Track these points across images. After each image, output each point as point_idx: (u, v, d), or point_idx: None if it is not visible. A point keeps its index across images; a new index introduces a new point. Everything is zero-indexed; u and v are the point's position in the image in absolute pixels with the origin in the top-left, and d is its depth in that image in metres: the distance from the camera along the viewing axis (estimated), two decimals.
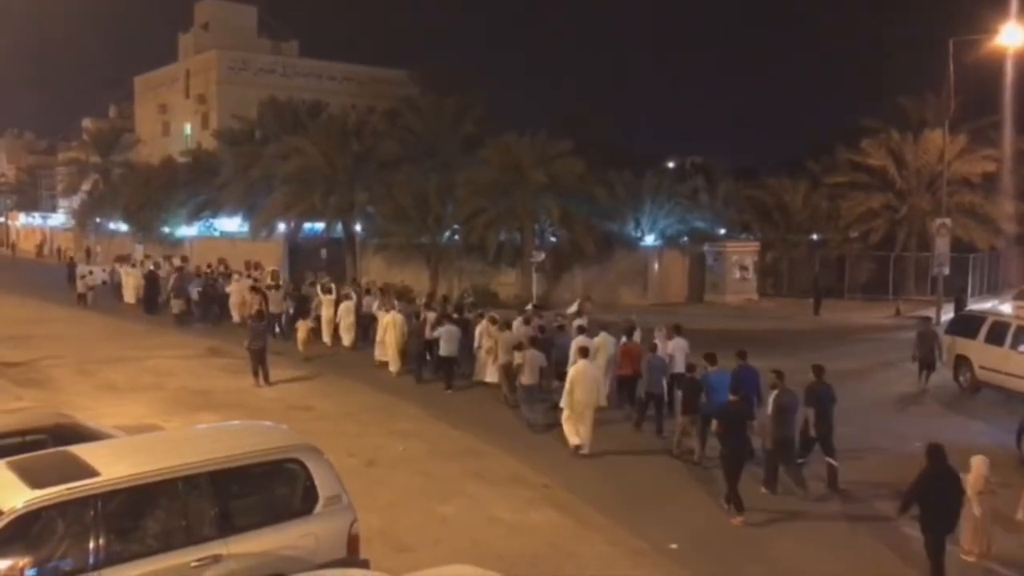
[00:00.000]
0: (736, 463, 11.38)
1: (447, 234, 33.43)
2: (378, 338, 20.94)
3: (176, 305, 27.31)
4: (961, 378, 18.63)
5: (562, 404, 14.08)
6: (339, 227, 36.75)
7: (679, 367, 15.17)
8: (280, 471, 7.72)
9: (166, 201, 44.19)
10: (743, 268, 35.08)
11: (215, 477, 7.15)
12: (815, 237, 36.77)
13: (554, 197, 30.94)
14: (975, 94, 31.79)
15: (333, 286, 24.97)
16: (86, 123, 68.55)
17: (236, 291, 26.90)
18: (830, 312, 31.20)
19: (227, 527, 7.09)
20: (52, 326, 26.18)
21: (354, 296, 23.71)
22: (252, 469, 7.53)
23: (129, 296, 32.35)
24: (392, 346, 20.10)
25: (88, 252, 52.29)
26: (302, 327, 22.26)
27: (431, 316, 19.75)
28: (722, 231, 36.42)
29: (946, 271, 29.44)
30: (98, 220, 53.65)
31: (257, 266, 30.89)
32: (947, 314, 25.93)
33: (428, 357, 19.46)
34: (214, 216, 43.33)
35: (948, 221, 29.46)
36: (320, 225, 37.16)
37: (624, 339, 16.49)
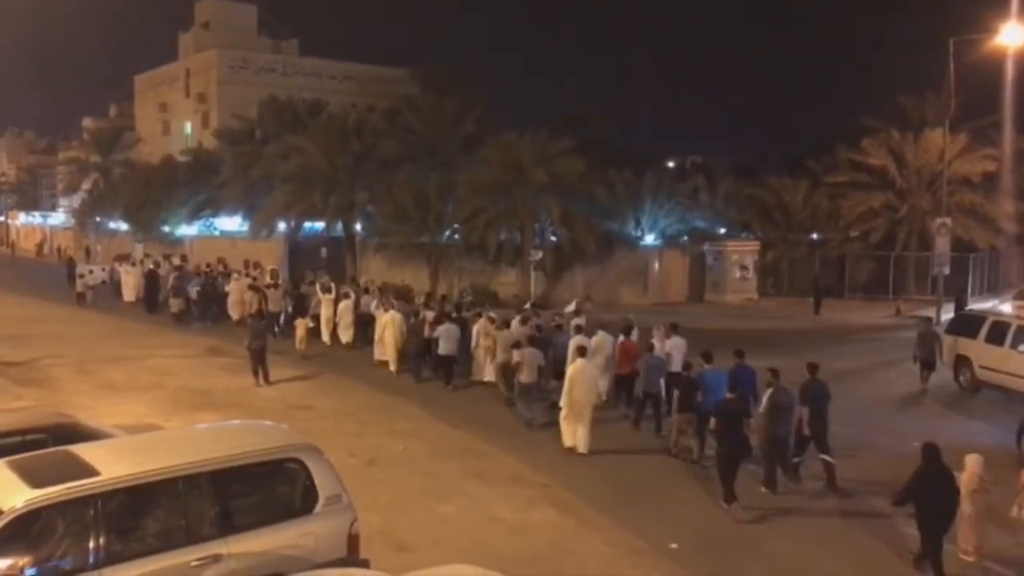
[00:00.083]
0: (732, 461, 11.43)
1: (447, 233, 33.43)
2: (376, 337, 20.98)
3: (175, 304, 27.30)
4: (961, 378, 18.64)
5: (561, 403, 14.11)
6: (339, 226, 36.73)
7: (676, 366, 15.19)
8: (280, 471, 7.73)
9: (166, 200, 44.18)
10: (743, 267, 35.08)
11: (215, 476, 7.15)
12: (815, 236, 36.78)
13: (554, 196, 30.94)
14: (975, 93, 31.85)
15: (332, 285, 24.99)
16: (86, 122, 68.60)
17: (235, 290, 26.93)
18: (830, 312, 31.20)
19: (227, 526, 7.09)
20: (52, 325, 26.18)
21: (352, 295, 23.73)
22: (252, 468, 7.53)
23: (129, 295, 32.36)
24: (391, 345, 20.14)
25: (88, 251, 52.32)
26: (300, 326, 22.30)
27: (429, 315, 19.79)
28: (722, 230, 36.43)
29: (946, 271, 29.45)
30: (98, 219, 53.65)
31: (256, 265, 30.89)
32: (947, 314, 25.93)
33: (427, 356, 19.47)
34: (214, 215, 43.32)
35: (948, 221, 29.46)
36: (320, 224, 37.14)
37: (622, 338, 16.52)
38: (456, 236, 33.24)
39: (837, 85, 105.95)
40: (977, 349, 18.11)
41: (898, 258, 35.59)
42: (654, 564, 9.76)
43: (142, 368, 19.90)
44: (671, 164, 44.27)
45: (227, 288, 27.48)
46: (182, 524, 6.99)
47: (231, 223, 42.43)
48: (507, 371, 16.85)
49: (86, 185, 57.22)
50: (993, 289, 35.69)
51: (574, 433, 13.85)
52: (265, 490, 7.72)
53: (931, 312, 27.03)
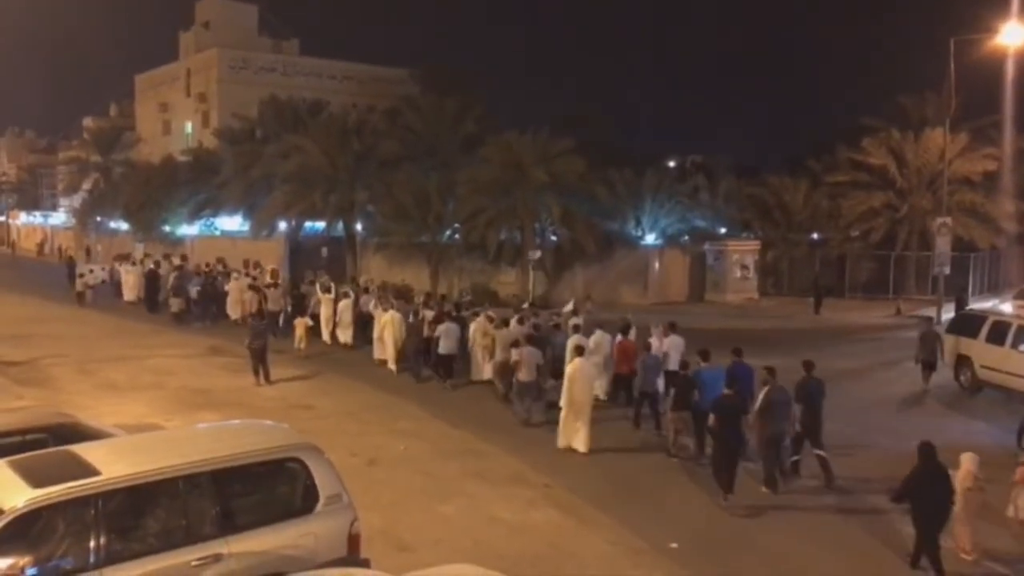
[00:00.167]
0: (728, 456, 11.48)
1: (447, 233, 33.42)
2: (376, 336, 21.01)
3: (175, 304, 27.31)
4: (962, 377, 18.64)
5: (561, 403, 14.14)
6: (340, 226, 36.74)
7: (674, 365, 15.26)
8: (281, 470, 7.73)
9: (167, 200, 44.13)
10: (744, 267, 35.09)
11: (216, 476, 7.16)
12: (816, 236, 36.79)
13: (555, 196, 30.93)
14: (975, 93, 31.91)
15: (332, 285, 25.03)
16: (87, 122, 68.54)
17: (234, 290, 26.95)
18: (830, 311, 31.21)
19: (227, 526, 7.09)
20: (53, 325, 26.18)
21: (352, 295, 23.76)
22: (253, 468, 7.53)
23: (129, 295, 32.35)
24: (391, 344, 20.16)
25: (88, 251, 52.31)
26: (299, 325, 22.34)
27: (429, 314, 19.82)
28: (723, 230, 36.41)
29: (947, 270, 29.45)
30: (99, 219, 53.61)
31: (256, 265, 30.89)
32: (948, 313, 25.92)
33: (426, 355, 19.49)
34: (215, 215, 43.28)
35: (949, 220, 29.46)
36: (321, 224, 37.13)
37: (620, 337, 16.58)
38: (456, 236, 33.23)
39: (837, 85, 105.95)
40: (978, 349, 18.11)
41: (898, 258, 35.58)
42: (654, 564, 9.76)
43: (142, 368, 19.90)
44: (671, 164, 44.28)
45: (227, 288, 27.50)
46: (182, 524, 6.99)
47: (232, 223, 42.41)
48: (505, 370, 16.87)
49: (86, 185, 57.18)
50: (994, 289, 35.69)
51: (573, 432, 13.88)
52: (266, 490, 7.72)
53: (932, 312, 27.05)
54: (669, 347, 15.91)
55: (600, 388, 16.34)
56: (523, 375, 15.52)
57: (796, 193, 35.94)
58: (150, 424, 13.98)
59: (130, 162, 55.54)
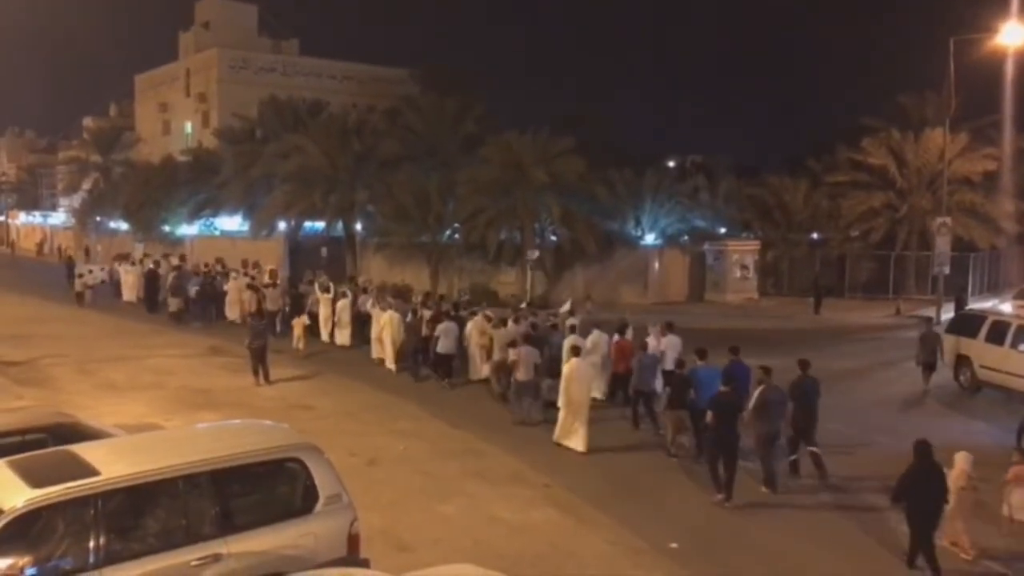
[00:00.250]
0: (728, 453, 11.52)
1: (447, 233, 33.43)
2: (374, 336, 21.03)
3: (174, 303, 27.31)
4: (961, 377, 18.64)
5: (559, 403, 14.19)
6: (340, 226, 36.76)
7: (670, 364, 15.26)
8: (280, 470, 7.72)
9: (166, 200, 44.16)
10: (744, 267, 35.08)
11: (215, 476, 7.15)
12: (816, 236, 36.79)
13: (555, 196, 30.93)
14: (975, 93, 31.88)
15: (331, 284, 25.06)
16: (87, 122, 68.57)
17: (233, 289, 26.96)
18: (830, 311, 31.21)
19: (227, 526, 7.09)
20: (52, 325, 26.18)
21: (349, 294, 23.78)
22: (252, 468, 7.52)
23: (128, 295, 32.35)
24: (389, 344, 20.18)
25: (87, 251, 52.31)
26: (297, 325, 22.36)
27: (427, 314, 19.83)
28: (723, 230, 36.40)
29: (946, 270, 29.45)
30: (98, 219, 53.64)
31: (255, 265, 30.89)
32: (947, 313, 25.93)
33: (426, 354, 19.49)
34: (215, 215, 43.31)
35: (949, 220, 29.47)
36: (320, 224, 37.15)
37: (617, 336, 16.62)
38: (456, 236, 33.24)
39: (837, 85, 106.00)
40: (977, 349, 18.11)
41: (898, 258, 35.58)
42: (654, 563, 9.76)
43: (142, 368, 19.90)
44: (671, 164, 44.28)
45: (225, 287, 27.50)
46: (182, 524, 6.98)
47: (231, 223, 42.43)
48: (503, 369, 16.89)
49: (86, 185, 57.21)
50: (993, 289, 35.70)
51: (572, 432, 13.92)
52: (265, 490, 7.72)
53: (931, 312, 27.06)
54: (666, 347, 15.94)
55: (598, 388, 16.37)
56: (521, 375, 15.54)
57: (796, 193, 35.94)
58: (150, 424, 13.97)
59: (130, 162, 55.59)
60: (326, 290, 24.28)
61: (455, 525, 10.69)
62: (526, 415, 15.52)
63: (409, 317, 20.11)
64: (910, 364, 19.43)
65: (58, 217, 68.82)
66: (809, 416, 12.51)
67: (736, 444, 11.71)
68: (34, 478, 6.62)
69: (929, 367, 18.79)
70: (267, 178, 36.20)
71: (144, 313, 29.29)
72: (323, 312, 23.69)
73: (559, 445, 13.99)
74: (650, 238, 34.13)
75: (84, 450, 7.33)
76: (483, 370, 18.60)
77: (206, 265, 32.25)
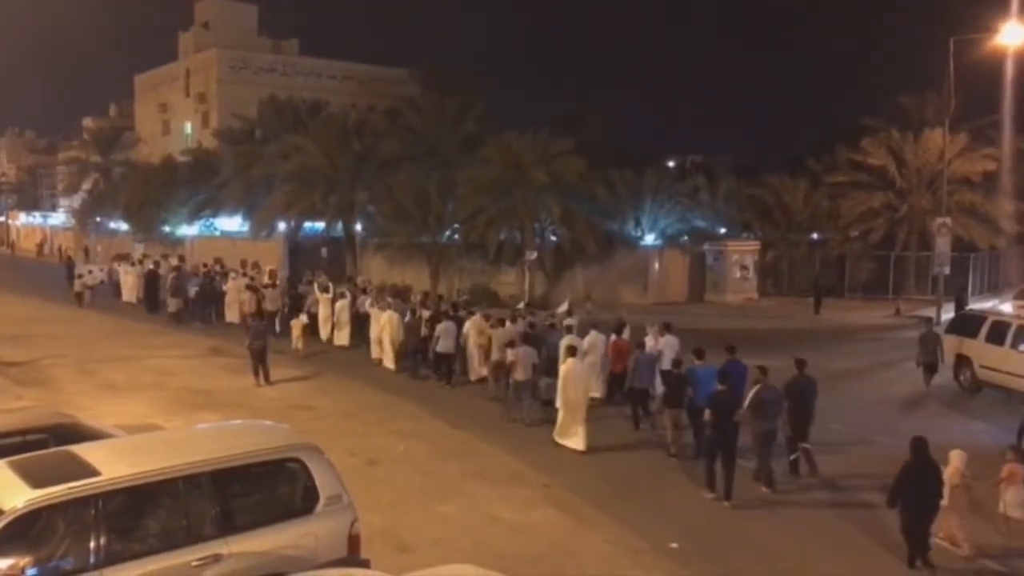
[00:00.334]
0: (726, 451, 11.56)
1: (447, 233, 33.43)
2: (374, 336, 21.05)
3: (173, 304, 27.32)
4: (961, 377, 18.64)
5: (557, 404, 14.25)
6: (340, 226, 36.74)
7: (667, 364, 15.27)
8: (281, 471, 7.72)
9: (166, 200, 44.14)
10: (743, 267, 35.09)
11: (216, 476, 7.15)
12: (815, 236, 36.81)
13: (555, 196, 30.93)
14: (975, 93, 31.91)
15: (330, 284, 25.08)
16: (86, 122, 68.55)
17: (232, 290, 26.97)
18: (830, 311, 31.21)
19: (228, 526, 7.09)
20: (52, 325, 26.19)
21: (348, 295, 23.80)
22: (253, 468, 7.53)
23: (128, 295, 32.35)
24: (388, 344, 20.19)
25: (86, 251, 52.30)
26: (296, 326, 22.38)
27: (426, 314, 19.86)
28: (722, 230, 36.42)
29: (946, 270, 29.46)
30: (98, 219, 53.63)
31: (255, 265, 30.90)
32: (947, 314, 25.94)
33: (426, 354, 19.50)
34: (214, 215, 43.28)
35: (948, 220, 29.48)
36: (320, 224, 37.12)
37: (614, 336, 16.59)
38: (456, 236, 33.24)
39: (837, 85, 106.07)
40: (977, 349, 18.11)
41: (898, 258, 35.59)
42: (654, 563, 9.76)
43: (142, 368, 19.91)
44: (671, 164, 44.27)
45: (224, 288, 27.50)
46: (183, 524, 6.98)
47: (231, 223, 42.41)
48: (501, 369, 16.91)
49: (86, 185, 57.18)
50: (993, 289, 35.71)
51: (571, 433, 13.96)
52: (266, 490, 7.72)
53: (931, 312, 27.07)
54: (664, 346, 15.98)
55: (596, 388, 16.40)
56: (519, 375, 15.57)
57: (796, 193, 35.95)
58: (150, 424, 13.98)
59: (130, 162, 55.57)
60: (325, 290, 24.31)
61: (455, 525, 10.69)
62: (526, 415, 15.54)
63: (408, 317, 20.14)
64: (910, 364, 19.43)
65: (58, 217, 68.80)
66: (805, 415, 12.55)
67: (735, 443, 11.75)
68: (35, 478, 6.63)
69: (930, 368, 18.78)
70: (267, 178, 36.17)
71: (144, 313, 29.30)
72: (322, 312, 23.73)
73: (559, 445, 14.01)
74: (650, 238, 34.15)
75: (84, 450, 7.33)
76: (481, 370, 18.60)
77: (205, 265, 32.25)
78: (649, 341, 16.26)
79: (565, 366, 14.25)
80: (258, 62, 56.51)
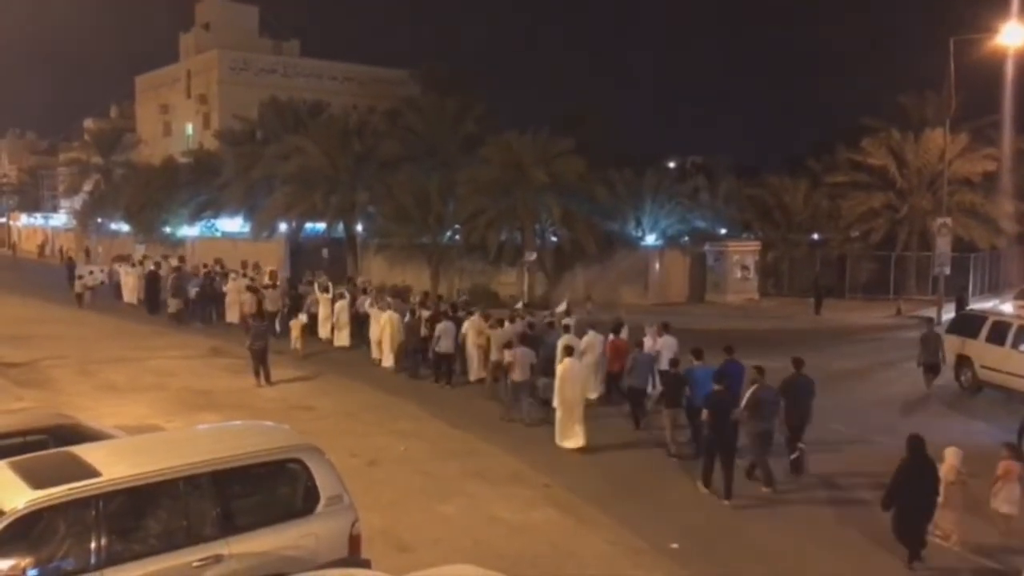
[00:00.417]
0: (725, 450, 11.58)
1: (448, 234, 33.44)
2: (374, 336, 21.07)
3: (173, 304, 27.34)
4: (962, 378, 18.64)
5: (555, 404, 14.28)
6: (340, 227, 36.76)
7: (665, 364, 15.30)
8: (281, 471, 7.73)
9: (167, 201, 44.18)
10: (744, 268, 35.08)
11: (216, 477, 7.16)
12: (816, 237, 36.79)
13: (555, 196, 30.93)
14: (975, 93, 31.88)
15: (330, 285, 25.10)
16: (87, 123, 68.61)
17: (232, 290, 26.99)
18: (831, 312, 31.20)
19: (228, 527, 7.10)
20: (53, 326, 26.21)
21: (347, 295, 23.83)
22: (253, 469, 7.54)
23: (128, 296, 32.36)
24: (388, 344, 20.21)
25: (87, 252, 52.33)
26: (295, 326, 22.39)
27: (425, 314, 19.88)
28: (723, 231, 36.40)
29: (947, 271, 29.45)
30: (100, 220, 53.68)
31: (255, 266, 30.92)
32: (948, 314, 25.93)
33: (426, 354, 19.51)
34: (215, 216, 43.32)
35: (949, 220, 29.46)
36: (321, 225, 37.15)
37: (611, 336, 16.60)
38: (457, 236, 33.26)
39: (837, 85, 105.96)
40: (978, 349, 18.11)
41: (899, 258, 35.57)
42: (654, 563, 9.77)
43: (143, 369, 19.93)
44: (671, 164, 44.27)
45: (225, 288, 27.52)
46: (183, 525, 6.99)
47: (232, 224, 42.44)
48: (499, 369, 16.93)
49: (87, 186, 57.25)
50: (994, 289, 35.68)
51: (570, 433, 13.98)
52: (266, 491, 7.73)
53: (932, 312, 27.04)
54: (662, 346, 16.02)
55: (594, 388, 16.43)
56: (517, 375, 15.60)
57: (796, 193, 35.93)
58: (151, 425, 13.99)
59: (131, 163, 55.63)
60: (325, 290, 24.34)
61: (455, 525, 10.70)
62: (526, 415, 15.56)
63: (408, 317, 20.15)
64: (911, 365, 19.43)
65: (59, 219, 68.86)
66: (802, 415, 12.57)
67: (734, 443, 11.77)
68: (35, 479, 6.64)
69: (932, 369, 18.74)
70: (268, 179, 36.20)
71: (144, 314, 29.31)
72: (322, 312, 23.78)
73: (564, 449, 13.98)
74: (650, 239, 34.14)
75: (85, 451, 7.34)
76: (481, 370, 18.61)
77: (205, 266, 32.26)
78: (647, 341, 16.30)
79: (562, 366, 14.30)
80: (259, 63, 56.57)
